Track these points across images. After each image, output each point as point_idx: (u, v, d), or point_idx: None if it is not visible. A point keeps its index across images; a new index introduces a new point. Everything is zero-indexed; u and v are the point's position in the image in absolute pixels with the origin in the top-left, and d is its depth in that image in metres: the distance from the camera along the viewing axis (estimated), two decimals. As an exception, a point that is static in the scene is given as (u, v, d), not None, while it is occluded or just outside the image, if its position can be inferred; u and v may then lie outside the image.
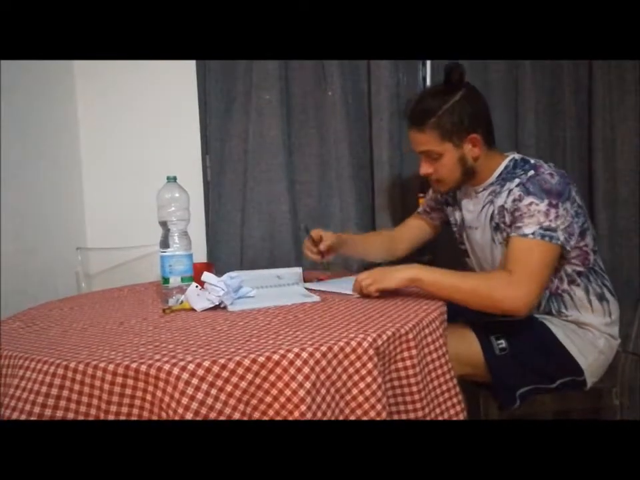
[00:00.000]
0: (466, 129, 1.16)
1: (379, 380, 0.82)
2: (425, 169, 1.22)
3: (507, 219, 1.15)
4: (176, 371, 0.74)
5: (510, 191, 1.15)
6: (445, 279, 1.10)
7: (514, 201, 1.12)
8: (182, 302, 1.12)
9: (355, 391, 0.82)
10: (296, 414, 0.75)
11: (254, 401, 0.77)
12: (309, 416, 0.75)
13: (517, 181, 1.14)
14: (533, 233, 1.07)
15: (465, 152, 1.18)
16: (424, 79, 1.71)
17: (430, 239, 1.47)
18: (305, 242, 1.37)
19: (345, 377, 0.81)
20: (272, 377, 0.77)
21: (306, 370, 0.77)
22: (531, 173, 1.13)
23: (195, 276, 1.17)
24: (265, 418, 0.77)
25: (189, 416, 0.72)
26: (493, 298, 1.07)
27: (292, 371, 0.77)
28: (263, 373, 0.77)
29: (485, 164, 1.20)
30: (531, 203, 1.08)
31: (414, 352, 0.90)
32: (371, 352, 0.83)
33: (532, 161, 1.18)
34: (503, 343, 1.16)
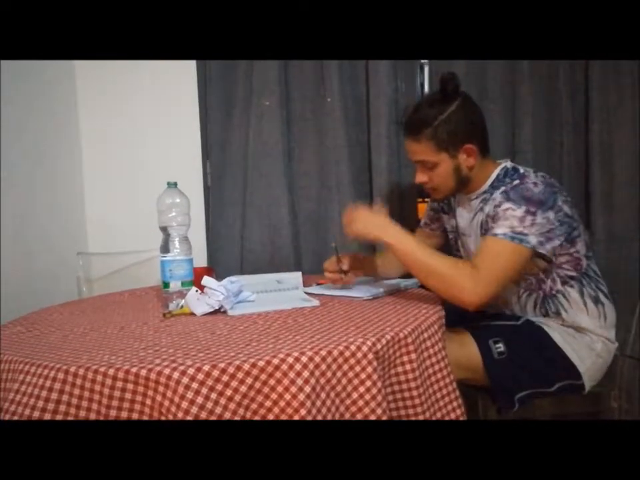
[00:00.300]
0: (461, 139, 1.17)
1: (379, 384, 0.83)
2: (420, 177, 1.24)
3: (490, 225, 1.16)
4: (176, 375, 0.74)
5: (495, 199, 1.17)
6: (414, 251, 1.11)
7: (495, 206, 1.15)
8: (182, 306, 1.13)
9: (354, 395, 0.82)
10: (295, 418, 0.75)
11: (254, 405, 0.77)
12: (308, 420, 0.75)
13: (502, 188, 1.16)
14: (504, 234, 1.09)
15: (460, 162, 1.19)
16: (422, 84, 1.72)
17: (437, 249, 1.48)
18: (328, 261, 1.35)
19: (344, 381, 0.82)
20: (272, 381, 0.77)
21: (305, 374, 0.78)
22: (516, 182, 1.14)
23: (195, 280, 1.17)
24: (265, 422, 0.77)
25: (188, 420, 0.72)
26: (452, 285, 1.08)
27: (292, 375, 0.77)
28: (263, 377, 0.77)
29: (479, 172, 1.21)
30: (507, 208, 1.10)
31: (413, 356, 0.91)
32: (370, 356, 0.83)
33: (521, 170, 1.19)
34: (501, 347, 1.17)
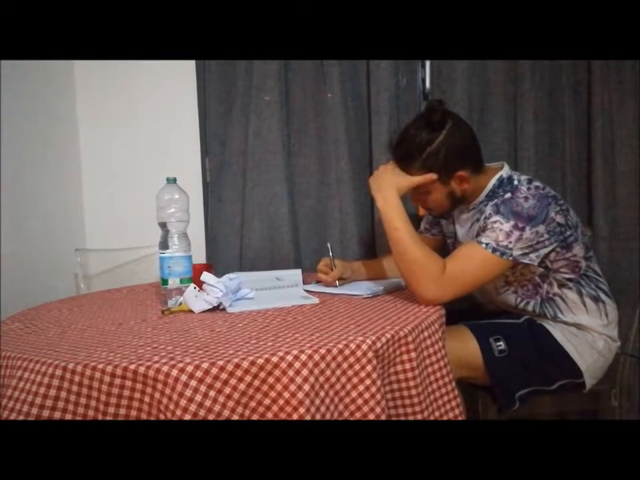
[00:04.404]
0: (452, 168, 1.16)
1: (378, 383, 0.82)
2: (415, 201, 1.26)
3: (480, 234, 1.15)
4: (174, 372, 0.74)
5: (486, 210, 1.16)
6: (398, 227, 1.14)
7: (485, 218, 1.14)
8: (181, 303, 1.12)
9: (353, 394, 0.81)
10: (294, 416, 0.75)
11: (252, 403, 0.77)
12: (307, 418, 0.75)
13: (495, 201, 1.15)
14: (486, 244, 1.09)
15: (453, 187, 1.19)
16: (423, 80, 1.71)
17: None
18: (321, 263, 1.36)
19: (343, 379, 0.81)
20: (270, 379, 0.77)
21: (305, 372, 0.77)
22: (508, 195, 1.13)
23: (194, 277, 1.16)
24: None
25: (186, 418, 0.72)
26: (417, 274, 1.10)
27: (291, 373, 0.77)
28: (262, 375, 0.77)
29: (474, 187, 1.20)
30: (496, 221, 1.10)
31: (413, 355, 0.90)
32: (370, 354, 0.82)
33: (515, 182, 1.17)
34: (502, 345, 1.16)
